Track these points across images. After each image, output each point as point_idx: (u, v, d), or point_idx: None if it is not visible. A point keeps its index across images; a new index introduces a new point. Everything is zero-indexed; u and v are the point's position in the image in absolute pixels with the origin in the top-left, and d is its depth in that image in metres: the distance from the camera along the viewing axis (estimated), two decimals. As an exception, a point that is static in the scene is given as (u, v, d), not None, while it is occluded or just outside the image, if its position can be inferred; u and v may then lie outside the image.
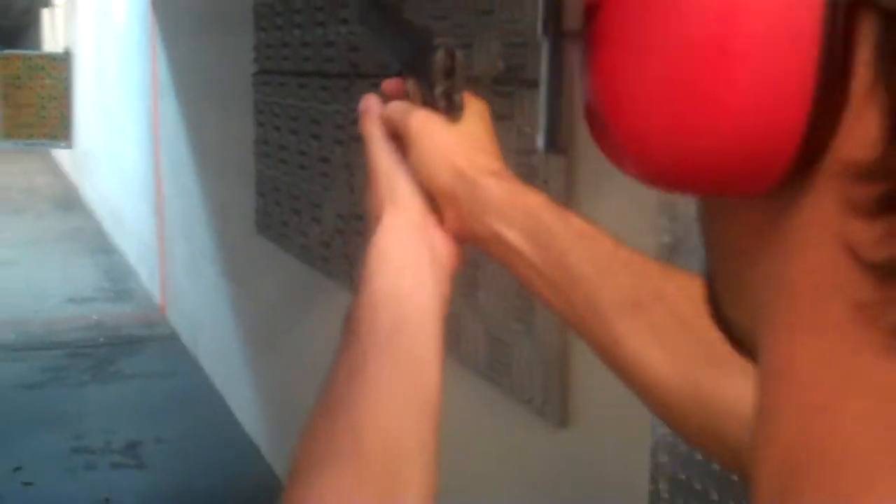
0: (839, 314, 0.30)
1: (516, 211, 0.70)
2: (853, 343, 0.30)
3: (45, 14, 14.22)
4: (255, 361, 4.52)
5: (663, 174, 0.34)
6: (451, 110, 0.75)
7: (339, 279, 3.12)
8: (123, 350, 6.02)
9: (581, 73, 0.36)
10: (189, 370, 5.56)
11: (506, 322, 2.03)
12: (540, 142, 0.39)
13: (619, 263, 0.68)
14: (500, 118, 2.02)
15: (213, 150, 4.98)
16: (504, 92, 2.02)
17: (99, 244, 9.12)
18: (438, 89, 0.75)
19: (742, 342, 0.38)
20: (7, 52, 7.75)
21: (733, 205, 0.36)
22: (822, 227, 0.31)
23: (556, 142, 0.39)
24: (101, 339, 6.21)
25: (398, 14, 0.87)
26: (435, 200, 0.75)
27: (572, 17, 0.35)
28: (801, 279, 0.32)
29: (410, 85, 0.79)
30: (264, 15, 3.76)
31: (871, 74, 0.29)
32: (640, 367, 0.65)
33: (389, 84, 0.82)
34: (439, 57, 0.74)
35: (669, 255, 1.45)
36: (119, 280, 7.77)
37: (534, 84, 1.91)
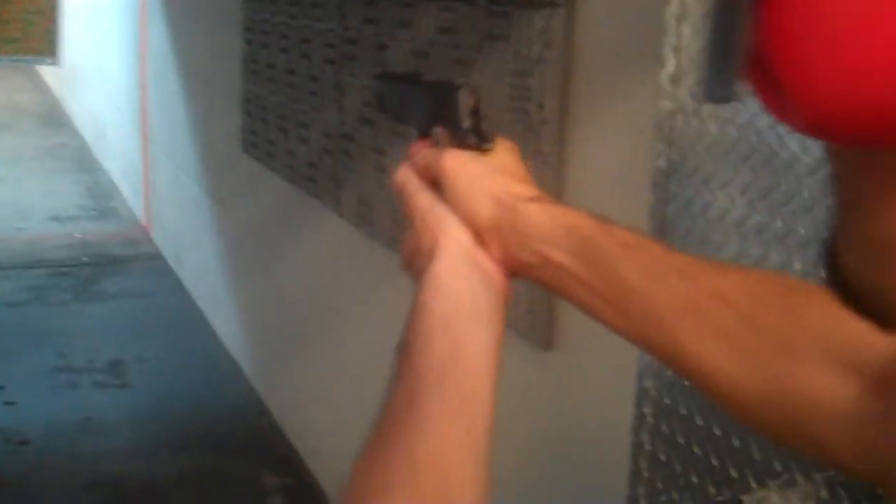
0: None
1: (559, 231, 0.70)
2: None
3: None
4: (239, 281, 4.51)
5: (828, 122, 0.34)
6: (482, 142, 0.77)
7: (325, 199, 3.10)
8: (106, 269, 6.00)
9: (747, 20, 0.36)
10: (172, 289, 5.56)
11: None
12: (708, 93, 0.38)
13: (670, 268, 0.67)
14: (496, 39, 1.99)
15: (200, 67, 4.91)
16: (500, 12, 2.00)
17: (83, 162, 9.04)
18: (466, 125, 0.77)
19: (867, 303, 0.38)
20: (-8, -37, 7.56)
21: (885, 156, 0.36)
22: None
23: (730, 92, 0.38)
24: (84, 258, 6.20)
25: (415, 76, 0.91)
26: (479, 236, 0.74)
27: None
28: None
29: (438, 132, 0.81)
30: (255, -72, 3.68)
31: None
32: (710, 371, 0.64)
33: (416, 145, 0.82)
34: (462, 94, 0.77)
35: (666, 180, 1.44)
36: (102, 198, 7.72)
37: (530, 4, 1.87)
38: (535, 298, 1.88)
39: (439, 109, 0.80)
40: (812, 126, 0.35)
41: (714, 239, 1.33)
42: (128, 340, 4.86)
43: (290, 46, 3.34)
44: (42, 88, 13.97)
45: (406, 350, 0.71)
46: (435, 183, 0.78)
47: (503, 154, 0.78)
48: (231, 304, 4.63)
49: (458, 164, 0.76)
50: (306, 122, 3.24)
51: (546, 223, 0.71)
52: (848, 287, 0.39)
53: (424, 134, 0.83)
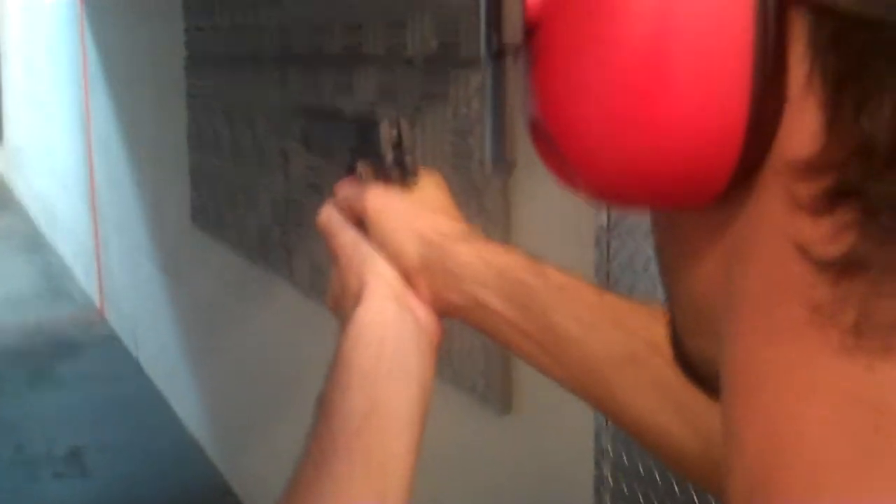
0: (796, 317, 0.30)
1: (491, 272, 0.67)
2: (813, 345, 0.30)
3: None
4: (196, 358, 4.46)
5: (608, 189, 0.34)
6: (406, 176, 0.74)
7: (277, 268, 3.07)
8: (62, 354, 5.88)
9: (524, 88, 0.36)
10: (130, 371, 5.46)
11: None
12: (487, 157, 0.39)
13: (605, 315, 0.65)
14: (435, 98, 1.99)
15: (147, 140, 4.89)
16: (438, 71, 2.00)
17: (33, 243, 8.93)
18: (389, 158, 0.74)
19: (706, 377, 0.37)
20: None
21: (683, 217, 0.35)
22: (772, 229, 0.31)
23: (504, 157, 0.38)
24: (39, 344, 6.08)
25: (337, 111, 0.88)
26: (407, 276, 0.71)
27: (513, 34, 0.35)
28: (756, 285, 0.32)
29: (361, 167, 0.78)
30: (193, -1, 3.68)
31: (805, 69, 0.29)
32: (650, 426, 0.62)
33: (341, 184, 0.79)
34: (384, 128, 0.74)
35: (608, 235, 1.43)
36: (55, 279, 7.61)
37: (467, 63, 1.87)
38: (492, 362, 1.86)
39: (362, 144, 0.78)
40: (594, 191, 0.35)
41: (658, 294, 1.31)
42: (86, 427, 4.75)
43: (234, 115, 3.33)
44: (-11, 171, 13.86)
45: (323, 404, 0.67)
46: (359, 221, 0.74)
47: (430, 188, 0.75)
48: (190, 383, 4.56)
49: (383, 200, 0.73)
50: (254, 192, 3.21)
51: (476, 263, 0.68)
52: (688, 360, 0.38)
53: (350, 170, 0.80)
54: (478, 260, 0.68)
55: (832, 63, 0.28)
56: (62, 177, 7.87)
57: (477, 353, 1.89)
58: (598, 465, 1.47)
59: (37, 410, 5.04)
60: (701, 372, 0.38)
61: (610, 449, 1.44)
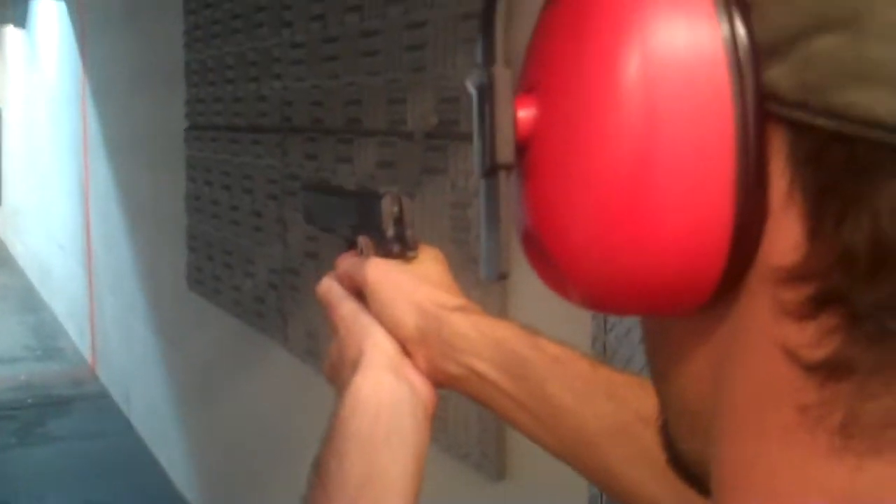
0: (785, 419, 0.30)
1: (487, 344, 0.69)
2: (802, 447, 0.30)
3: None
4: (188, 419, 4.43)
5: (598, 298, 0.35)
6: (406, 250, 0.76)
7: (272, 335, 3.08)
8: (52, 410, 5.86)
9: (516, 203, 0.37)
10: (120, 430, 5.43)
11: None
12: (483, 271, 0.40)
13: (598, 387, 0.66)
14: (434, 172, 2.03)
15: (145, 205, 4.92)
16: (438, 146, 2.04)
17: (28, 302, 8.91)
18: (390, 233, 0.75)
19: (698, 477, 0.37)
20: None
21: (673, 323, 0.36)
22: (760, 335, 0.31)
23: (499, 270, 0.40)
24: (29, 400, 6.05)
25: (339, 187, 0.91)
26: (404, 346, 0.73)
27: (505, 153, 0.36)
28: (745, 388, 0.32)
29: (362, 241, 0.80)
30: (196, 70, 3.75)
31: (786, 181, 0.30)
32: (641, 496, 0.63)
33: (342, 258, 0.81)
34: (385, 203, 0.76)
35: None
36: (48, 338, 7.59)
37: (466, 137, 1.92)
38: (487, 428, 1.88)
39: (364, 218, 0.79)
40: (583, 300, 0.36)
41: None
42: (74, 485, 4.72)
43: (233, 183, 3.37)
44: (-16, 229, 13.84)
45: (320, 470, 0.68)
46: (359, 293, 0.76)
47: (428, 262, 0.76)
48: (181, 444, 4.53)
49: (382, 272, 0.74)
50: (251, 258, 3.25)
51: (473, 334, 0.70)
52: (681, 463, 0.39)
53: (351, 243, 0.82)
54: (474, 331, 0.70)
55: (811, 177, 0.29)
56: (59, 237, 7.87)
57: (472, 419, 1.91)
58: (589, 533, 1.48)
59: (25, 467, 5.00)
60: (694, 472, 0.38)
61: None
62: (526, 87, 0.36)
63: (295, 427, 3.17)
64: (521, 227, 0.38)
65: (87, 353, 6.80)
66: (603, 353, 1.44)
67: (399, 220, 0.76)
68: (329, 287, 0.79)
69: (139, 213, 5.08)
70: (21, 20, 9.04)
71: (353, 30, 2.42)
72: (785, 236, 0.30)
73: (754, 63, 0.30)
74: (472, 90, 0.38)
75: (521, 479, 1.85)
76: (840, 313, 0.29)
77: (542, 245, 0.36)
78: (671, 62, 0.31)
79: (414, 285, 0.73)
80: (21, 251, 10.66)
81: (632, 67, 0.31)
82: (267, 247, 3.09)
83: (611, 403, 0.65)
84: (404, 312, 0.72)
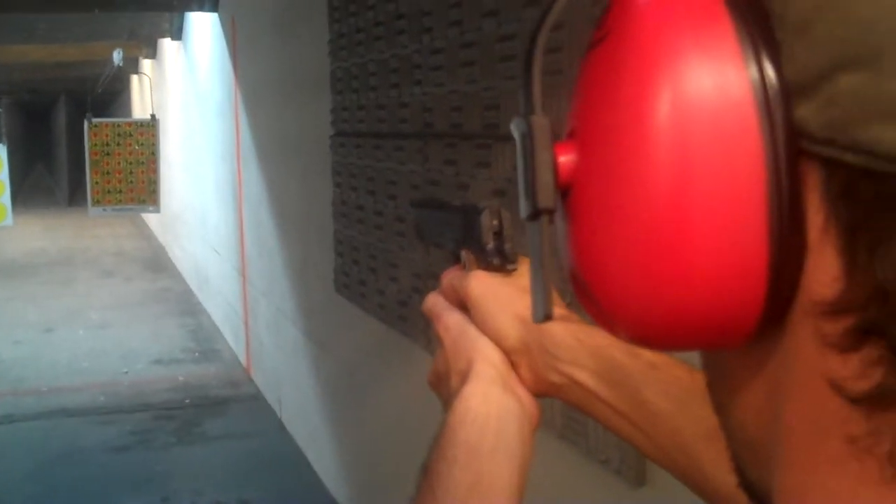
0: (836, 450, 0.31)
1: (585, 352, 0.70)
2: (853, 477, 0.31)
3: (135, 81, 14.68)
4: (337, 421, 4.53)
5: (643, 335, 0.36)
6: (506, 263, 0.77)
7: (416, 338, 3.12)
8: (209, 411, 6.08)
9: (563, 245, 0.39)
10: (273, 430, 5.59)
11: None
12: (534, 314, 0.41)
13: (695, 392, 0.65)
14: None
15: (294, 210, 5.05)
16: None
17: (186, 305, 9.29)
18: (490, 247, 0.77)
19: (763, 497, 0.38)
20: (97, 120, 7.98)
21: (727, 356, 0.37)
22: (806, 367, 0.32)
23: (544, 312, 0.41)
24: (187, 401, 6.30)
25: (444, 202, 0.92)
26: (508, 357, 0.74)
27: (546, 198, 0.38)
28: (796, 420, 0.33)
29: (464, 255, 0.82)
30: (341, 78, 3.82)
31: (822, 217, 0.30)
32: (731, 497, 0.62)
33: (447, 272, 0.83)
34: (485, 217, 0.77)
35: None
36: (205, 341, 7.89)
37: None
38: (626, 435, 1.85)
39: (466, 232, 0.81)
40: (630, 336, 0.37)
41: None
42: (229, 483, 4.88)
43: (377, 188, 3.42)
44: (146, 234, 14.51)
45: (428, 474, 0.69)
46: (463, 306, 0.78)
47: (528, 274, 0.77)
48: (330, 444, 4.64)
49: (484, 285, 0.76)
50: (395, 262, 3.29)
51: (572, 344, 0.71)
52: (752, 490, 0.39)
53: (457, 257, 0.83)
54: (573, 340, 0.71)
55: (844, 212, 0.30)
56: (214, 243, 8.17)
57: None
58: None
59: (183, 465, 5.21)
60: (765, 500, 0.38)
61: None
62: (568, 133, 0.38)
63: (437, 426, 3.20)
64: (568, 268, 0.39)
65: (241, 356, 7.03)
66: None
67: (499, 234, 0.77)
68: (434, 301, 0.81)
69: (289, 218, 5.21)
70: (178, 33, 9.42)
71: (490, 34, 2.43)
72: (824, 270, 0.30)
73: (784, 102, 0.30)
74: (516, 138, 0.39)
75: (661, 486, 1.83)
76: (881, 345, 0.29)
77: (586, 285, 0.37)
78: (700, 106, 0.31)
79: (515, 297, 0.74)
80: (180, 256, 11.10)
81: (662, 113, 0.32)
82: (410, 251, 3.13)
83: (706, 408, 0.64)
84: (506, 324, 0.74)
